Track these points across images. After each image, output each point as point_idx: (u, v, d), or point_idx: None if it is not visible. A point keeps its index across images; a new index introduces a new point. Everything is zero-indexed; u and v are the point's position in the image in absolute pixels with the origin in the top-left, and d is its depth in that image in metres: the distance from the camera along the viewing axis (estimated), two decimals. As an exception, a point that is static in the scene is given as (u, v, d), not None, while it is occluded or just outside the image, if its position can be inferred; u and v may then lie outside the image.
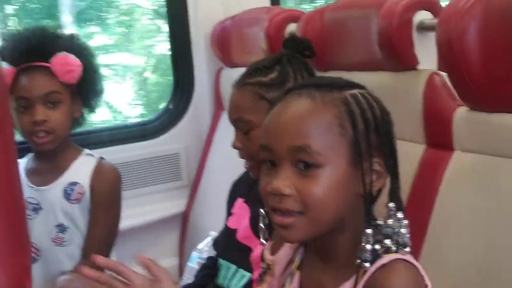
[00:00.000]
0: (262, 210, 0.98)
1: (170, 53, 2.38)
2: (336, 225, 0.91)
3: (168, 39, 2.37)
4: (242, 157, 1.41)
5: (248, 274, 1.37)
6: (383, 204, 0.92)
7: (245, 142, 1.37)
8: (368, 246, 0.88)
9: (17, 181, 0.83)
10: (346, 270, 0.91)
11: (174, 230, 2.33)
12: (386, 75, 1.37)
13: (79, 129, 2.09)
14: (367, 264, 0.87)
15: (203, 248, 1.92)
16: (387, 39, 1.30)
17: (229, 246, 1.46)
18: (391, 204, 0.91)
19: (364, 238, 0.88)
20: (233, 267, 1.42)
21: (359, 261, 0.88)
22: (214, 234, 1.87)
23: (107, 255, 1.88)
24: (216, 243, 1.57)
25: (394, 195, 0.92)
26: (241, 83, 1.37)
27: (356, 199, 0.90)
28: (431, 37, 1.24)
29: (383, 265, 0.87)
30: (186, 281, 1.83)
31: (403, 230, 0.90)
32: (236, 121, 1.38)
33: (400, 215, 0.90)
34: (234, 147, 1.40)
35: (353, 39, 1.46)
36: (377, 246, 0.89)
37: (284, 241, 0.99)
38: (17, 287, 0.78)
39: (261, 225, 1.00)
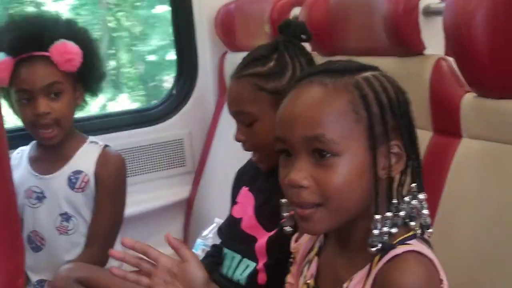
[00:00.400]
0: (282, 200, 0.97)
1: (173, 37, 2.35)
2: (358, 212, 0.90)
3: (171, 22, 2.34)
4: (246, 149, 1.39)
5: (253, 264, 1.36)
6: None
7: (248, 135, 1.35)
8: (376, 232, 0.86)
9: (10, 182, 0.83)
10: (361, 259, 0.90)
11: (179, 217, 2.32)
12: (392, 60, 1.35)
13: (83, 115, 2.09)
14: (373, 249, 0.86)
15: (208, 235, 1.91)
16: (393, 24, 1.27)
17: (233, 235, 1.45)
18: (414, 185, 0.89)
19: (373, 223, 0.87)
20: (238, 256, 1.40)
21: (369, 248, 0.86)
22: (218, 221, 1.86)
23: (112, 243, 1.88)
24: (220, 232, 1.56)
25: (415, 176, 0.90)
26: (238, 75, 1.35)
27: (376, 184, 0.88)
28: (438, 21, 1.22)
29: (396, 256, 0.85)
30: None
31: (425, 212, 0.89)
32: (236, 114, 1.36)
33: (421, 196, 0.89)
34: (237, 140, 1.38)
35: (359, 23, 1.44)
36: (393, 230, 0.87)
37: (306, 233, 0.99)
38: (10, 286, 0.78)
39: (284, 214, 0.99)
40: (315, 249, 1.01)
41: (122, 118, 2.31)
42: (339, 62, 0.96)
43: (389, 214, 0.88)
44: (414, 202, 0.89)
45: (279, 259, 1.31)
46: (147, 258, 1.07)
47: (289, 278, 1.10)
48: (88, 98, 1.91)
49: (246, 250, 1.37)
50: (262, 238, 1.35)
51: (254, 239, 1.36)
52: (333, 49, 1.56)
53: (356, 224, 0.91)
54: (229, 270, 1.42)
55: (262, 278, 1.33)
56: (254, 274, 1.35)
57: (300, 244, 1.06)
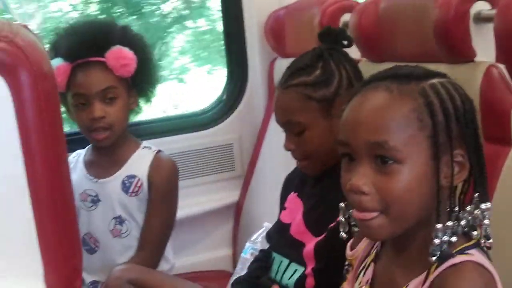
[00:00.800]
0: (342, 204, 0.98)
1: (223, 43, 2.39)
2: (418, 220, 0.90)
3: (223, 28, 2.37)
4: (296, 158, 1.41)
5: (301, 268, 1.37)
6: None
7: (298, 143, 1.37)
8: (437, 241, 0.86)
9: (68, 185, 0.86)
10: (418, 266, 0.90)
11: (228, 221, 2.34)
12: (442, 67, 1.33)
13: (133, 120, 2.13)
14: (433, 259, 0.86)
15: (257, 239, 1.92)
16: (444, 30, 1.26)
17: (282, 240, 1.46)
18: (476, 194, 0.89)
19: (434, 232, 0.87)
20: (286, 261, 1.41)
21: (430, 257, 0.86)
22: (267, 225, 1.87)
23: (163, 247, 1.92)
24: (269, 237, 1.57)
25: (479, 185, 0.90)
26: (285, 85, 1.36)
27: (438, 192, 0.88)
28: (489, 28, 1.20)
29: (453, 265, 0.85)
30: (239, 272, 1.84)
31: (486, 222, 0.89)
32: (286, 124, 1.38)
33: (484, 205, 0.89)
34: (287, 149, 1.40)
35: (409, 29, 1.43)
36: (453, 239, 0.87)
37: (366, 238, 0.99)
38: (68, 287, 0.81)
39: (342, 218, 1.00)
40: (372, 255, 1.02)
41: (173, 123, 2.34)
42: (406, 67, 0.95)
43: (450, 223, 0.87)
44: (476, 211, 0.89)
45: (327, 264, 1.32)
46: None
47: (345, 285, 1.10)
48: (142, 104, 1.95)
49: (295, 255, 1.39)
50: (310, 243, 1.36)
51: (302, 244, 1.38)
52: (382, 55, 1.55)
53: (414, 232, 0.91)
54: (277, 275, 1.43)
55: (310, 283, 1.34)
56: (302, 278, 1.36)
57: (357, 251, 1.06)
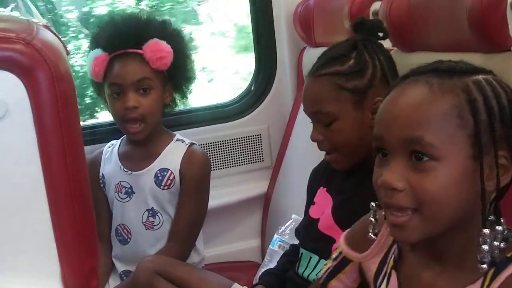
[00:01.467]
0: (373, 204, 0.93)
1: (252, 34, 2.37)
2: (456, 224, 0.85)
3: (251, 19, 2.35)
4: (323, 149, 1.38)
5: (330, 264, 1.35)
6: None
7: (327, 134, 1.34)
8: (485, 247, 0.81)
9: (86, 186, 0.86)
10: (468, 273, 0.85)
11: (256, 212, 2.33)
12: (476, 57, 1.29)
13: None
14: (484, 266, 0.81)
15: (285, 231, 1.92)
16: (478, 18, 1.22)
17: (310, 235, 1.44)
18: None
19: (482, 238, 0.82)
20: (315, 257, 1.40)
21: (480, 264, 0.81)
22: (295, 217, 1.86)
23: (193, 239, 1.94)
24: (298, 233, 1.56)
25: None
26: (316, 74, 1.33)
27: (482, 195, 0.83)
28: (527, 16, 1.16)
29: None
30: (267, 264, 1.83)
31: None
32: (315, 114, 1.35)
33: None
34: (314, 140, 1.37)
35: (441, 18, 1.39)
36: (502, 245, 0.83)
37: (397, 240, 0.94)
38: (85, 287, 0.81)
39: (371, 219, 0.96)
40: (391, 262, 0.97)
41: (202, 114, 2.34)
42: (448, 62, 0.91)
43: (499, 228, 0.83)
44: None
45: None
46: None
47: (335, 283, 1.08)
48: (178, 100, 1.97)
49: (324, 250, 1.36)
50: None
51: (331, 240, 1.36)
52: (414, 45, 1.52)
53: (453, 236, 0.87)
54: (305, 271, 1.41)
55: (339, 279, 1.32)
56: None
57: (369, 256, 1.01)
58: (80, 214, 0.84)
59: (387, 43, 1.62)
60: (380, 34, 1.37)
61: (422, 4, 1.46)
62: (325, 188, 1.47)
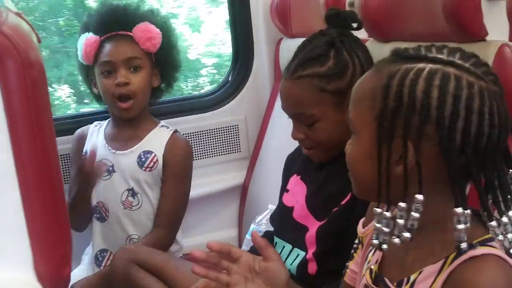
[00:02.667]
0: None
1: (229, 24, 2.36)
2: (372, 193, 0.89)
3: (228, 10, 2.35)
4: (305, 147, 1.38)
5: (302, 253, 1.36)
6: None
7: (308, 133, 1.33)
8: (461, 226, 0.82)
9: (57, 173, 0.85)
10: (432, 253, 0.87)
11: (234, 202, 2.34)
12: (451, 46, 1.31)
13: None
14: (463, 245, 0.82)
15: (261, 221, 1.93)
16: (453, 8, 1.23)
17: (285, 224, 1.45)
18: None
19: (455, 217, 0.82)
20: (289, 246, 1.40)
21: (457, 243, 0.83)
22: (272, 207, 1.87)
23: (177, 225, 1.98)
24: (272, 220, 1.56)
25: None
26: (296, 76, 1.30)
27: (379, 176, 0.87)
28: (502, 6, 1.18)
29: (474, 257, 0.82)
30: (244, 253, 1.84)
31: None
32: (296, 116, 1.34)
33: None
34: (295, 138, 1.36)
35: (416, 7, 1.40)
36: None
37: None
38: (57, 275, 0.81)
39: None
40: None
41: (179, 104, 2.33)
42: (409, 48, 0.91)
43: (459, 210, 0.83)
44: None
45: (328, 248, 1.31)
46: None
47: (352, 265, 1.11)
48: (163, 89, 2.01)
49: (297, 239, 1.37)
50: (313, 228, 1.34)
51: (305, 229, 1.36)
52: (389, 35, 1.52)
53: (428, 217, 0.87)
54: (279, 259, 1.42)
55: (312, 267, 1.33)
56: (304, 263, 1.34)
57: (369, 229, 1.05)
58: (52, 201, 0.84)
59: (363, 33, 1.64)
60: (354, 25, 1.36)
61: (398, -6, 1.47)
62: (299, 176, 1.48)
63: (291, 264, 1.37)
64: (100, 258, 1.95)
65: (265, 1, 2.25)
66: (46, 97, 0.90)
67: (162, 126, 2.00)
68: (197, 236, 2.27)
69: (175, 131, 1.99)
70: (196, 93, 2.45)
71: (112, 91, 1.86)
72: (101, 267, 1.91)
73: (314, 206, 1.38)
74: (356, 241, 1.11)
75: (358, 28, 1.38)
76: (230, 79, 2.36)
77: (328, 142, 1.33)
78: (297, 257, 1.37)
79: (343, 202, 1.30)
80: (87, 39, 1.87)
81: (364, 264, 1.04)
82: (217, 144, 2.30)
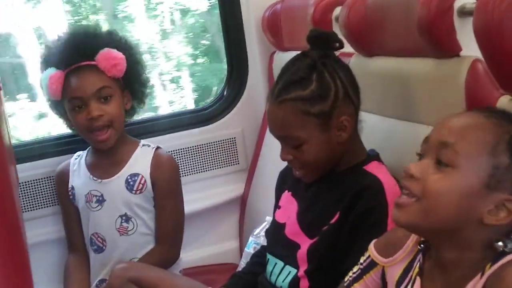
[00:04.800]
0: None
1: (223, 39, 2.40)
2: (448, 228, 0.93)
3: (221, 25, 2.38)
4: (294, 167, 1.40)
5: (294, 270, 1.38)
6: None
7: (296, 154, 1.35)
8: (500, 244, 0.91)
9: (12, 202, 0.84)
10: (471, 271, 0.93)
11: (234, 214, 2.37)
12: (428, 62, 1.34)
13: (138, 118, 2.17)
14: (500, 244, 0.91)
15: (259, 234, 1.95)
16: (427, 25, 1.26)
17: (277, 241, 1.47)
18: None
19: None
20: (281, 263, 1.43)
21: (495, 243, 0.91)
22: (269, 219, 1.89)
23: (180, 238, 1.99)
24: (267, 233, 1.59)
25: None
26: (279, 99, 1.31)
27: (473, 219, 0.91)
28: (473, 22, 1.19)
29: (509, 262, 0.89)
30: (243, 266, 1.87)
31: None
32: (283, 138, 1.36)
33: None
34: (284, 159, 1.38)
35: (395, 24, 1.43)
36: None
37: (394, 221, 1.01)
38: None
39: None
40: (416, 269, 1.04)
41: (177, 120, 2.37)
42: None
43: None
44: None
45: (320, 266, 1.33)
46: None
47: (359, 286, 1.14)
48: (135, 106, 2.00)
49: (289, 256, 1.40)
50: (305, 245, 1.37)
51: (297, 246, 1.39)
52: (372, 49, 1.56)
53: (459, 255, 0.95)
54: (272, 277, 1.45)
55: (304, 285, 1.36)
56: (295, 280, 1.37)
57: (394, 260, 1.08)
58: (10, 250, 0.82)
59: (349, 48, 1.66)
60: (337, 45, 1.37)
61: (378, 11, 1.50)
62: (290, 192, 1.51)
63: (283, 281, 1.40)
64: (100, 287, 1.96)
65: (257, 15, 2.28)
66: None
67: (143, 145, 1.99)
68: (198, 249, 2.31)
69: (157, 148, 1.99)
70: (192, 108, 2.47)
71: (87, 125, 1.85)
72: None
73: (305, 223, 1.40)
74: (363, 261, 1.14)
75: (339, 48, 1.38)
76: (225, 93, 2.39)
77: (315, 162, 1.35)
78: (288, 274, 1.40)
79: (332, 221, 1.33)
80: (50, 76, 1.83)
81: None
82: (215, 157, 2.34)
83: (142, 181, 1.92)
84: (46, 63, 1.89)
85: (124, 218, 1.93)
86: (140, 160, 1.95)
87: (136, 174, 1.92)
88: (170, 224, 1.95)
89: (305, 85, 1.30)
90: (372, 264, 1.13)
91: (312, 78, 1.30)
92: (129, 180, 1.92)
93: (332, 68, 1.32)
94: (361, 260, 1.15)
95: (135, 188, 1.92)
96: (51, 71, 1.85)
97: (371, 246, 1.13)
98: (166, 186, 1.94)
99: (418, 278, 1.02)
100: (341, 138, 1.33)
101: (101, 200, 1.93)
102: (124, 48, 1.91)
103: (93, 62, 1.84)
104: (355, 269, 1.16)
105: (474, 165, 0.90)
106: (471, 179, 0.90)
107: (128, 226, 1.93)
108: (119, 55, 1.86)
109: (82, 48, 1.85)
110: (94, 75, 1.84)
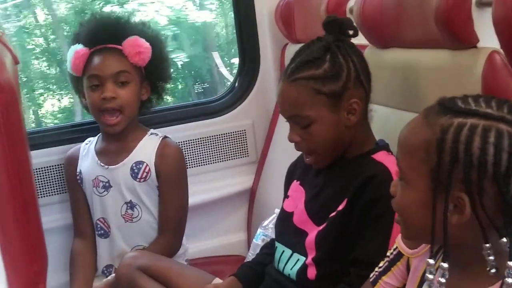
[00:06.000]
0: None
1: (235, 31, 2.39)
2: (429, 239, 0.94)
3: (234, 17, 2.38)
4: (299, 150, 1.41)
5: (302, 258, 1.38)
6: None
7: (304, 136, 1.36)
8: (491, 258, 0.89)
9: (30, 191, 0.86)
10: (488, 278, 0.91)
11: (243, 206, 2.36)
12: (445, 53, 1.32)
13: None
14: (493, 271, 0.89)
15: (268, 225, 1.94)
16: (444, 17, 1.24)
17: (285, 229, 1.47)
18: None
19: (485, 252, 0.90)
20: (288, 251, 1.43)
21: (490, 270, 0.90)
22: (278, 211, 1.89)
23: (182, 229, 1.99)
24: (275, 225, 1.59)
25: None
26: (292, 78, 1.34)
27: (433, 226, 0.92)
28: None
29: None
30: (251, 258, 1.86)
31: None
32: (292, 117, 1.37)
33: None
34: (291, 141, 1.39)
35: (412, 15, 1.41)
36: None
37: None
38: None
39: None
40: (439, 261, 1.02)
41: (188, 111, 2.37)
42: (464, 99, 0.94)
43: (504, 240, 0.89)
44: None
45: (328, 253, 1.33)
46: None
47: (387, 279, 1.15)
48: (154, 100, 2.02)
49: (297, 244, 1.40)
50: (312, 233, 1.37)
51: (305, 234, 1.39)
52: (386, 41, 1.55)
53: (464, 252, 0.94)
54: (279, 264, 1.45)
55: (311, 272, 1.35)
56: (303, 268, 1.37)
57: (419, 252, 1.08)
58: (24, 220, 0.85)
59: (362, 40, 1.65)
60: (351, 32, 1.38)
61: (394, 2, 1.49)
62: (298, 182, 1.51)
63: (291, 269, 1.40)
64: (107, 274, 1.96)
65: (270, 7, 2.27)
66: (19, 119, 0.91)
67: (151, 134, 1.99)
68: (207, 240, 2.31)
69: (165, 137, 1.99)
70: (203, 99, 2.47)
71: (98, 105, 1.86)
72: None
73: (313, 211, 1.40)
74: (390, 254, 1.15)
75: (354, 35, 1.40)
76: (237, 84, 2.39)
77: (323, 145, 1.36)
78: (297, 262, 1.40)
79: (339, 208, 1.33)
80: (76, 51, 1.87)
81: (413, 286, 1.07)
82: (225, 149, 2.33)
83: (147, 170, 1.92)
84: (76, 39, 1.93)
85: (129, 205, 1.94)
86: (146, 148, 1.96)
87: (141, 162, 1.93)
88: (173, 214, 1.95)
89: (318, 65, 1.32)
90: (399, 256, 1.13)
91: (325, 58, 1.33)
92: (134, 167, 1.93)
93: (346, 51, 1.34)
94: (388, 253, 1.16)
95: (139, 176, 1.92)
96: (78, 47, 1.89)
97: (398, 238, 1.14)
98: (170, 176, 1.95)
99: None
100: (350, 121, 1.34)
101: (107, 186, 1.94)
102: (152, 40, 1.93)
103: (119, 46, 1.88)
104: (381, 263, 1.17)
105: (417, 174, 0.92)
106: (419, 188, 0.92)
107: (133, 213, 1.94)
108: (145, 44, 1.89)
109: (112, 31, 1.89)
110: (116, 58, 1.87)
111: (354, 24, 1.41)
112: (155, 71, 1.95)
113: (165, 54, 1.99)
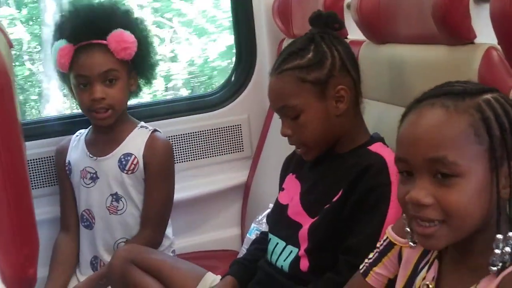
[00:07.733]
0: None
1: (232, 25, 2.39)
2: (477, 228, 0.93)
3: (231, 11, 2.37)
4: (293, 143, 1.42)
5: (295, 250, 1.38)
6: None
7: (295, 128, 1.37)
8: (497, 251, 0.89)
9: (23, 176, 0.86)
10: (486, 268, 0.91)
11: (237, 201, 2.36)
12: (441, 49, 1.32)
13: (144, 102, 2.16)
14: (494, 268, 0.89)
15: (262, 220, 1.94)
16: (442, 11, 1.24)
17: (279, 221, 1.48)
18: None
19: (495, 243, 0.90)
20: (282, 243, 1.43)
21: (490, 266, 0.89)
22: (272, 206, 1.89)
23: (164, 224, 1.98)
24: (268, 217, 1.59)
25: None
26: (279, 70, 1.37)
27: (498, 203, 0.91)
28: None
29: None
30: (244, 252, 1.86)
31: None
32: (281, 109, 1.39)
33: None
34: (284, 134, 1.41)
35: (409, 11, 1.42)
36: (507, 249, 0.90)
37: (425, 248, 1.02)
38: (21, 276, 0.82)
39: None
40: (435, 253, 1.04)
41: (184, 104, 2.36)
42: (459, 84, 0.97)
43: (511, 234, 0.90)
44: None
45: (320, 245, 1.33)
46: None
47: (379, 269, 1.15)
48: (142, 85, 2.00)
49: (291, 236, 1.40)
50: (306, 224, 1.37)
51: (299, 225, 1.39)
52: (384, 36, 1.55)
53: (475, 238, 0.94)
54: (273, 256, 1.45)
55: (304, 264, 1.36)
56: (296, 260, 1.37)
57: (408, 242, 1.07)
58: (16, 204, 0.85)
59: (360, 35, 1.65)
60: (337, 26, 1.41)
61: (392, -3, 1.48)
62: (294, 175, 1.51)
63: (284, 261, 1.40)
64: (95, 264, 1.97)
65: (268, 2, 2.27)
66: (12, 104, 0.90)
67: (141, 127, 1.98)
68: (200, 235, 2.30)
69: (154, 130, 1.98)
70: (199, 93, 2.46)
71: (88, 105, 1.85)
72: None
73: (308, 203, 1.41)
74: (379, 245, 1.15)
75: (339, 28, 1.44)
76: (233, 79, 2.38)
77: (314, 136, 1.37)
78: (290, 253, 1.40)
79: (334, 199, 1.33)
80: (60, 49, 1.84)
81: (405, 276, 1.07)
82: (220, 144, 2.33)
83: (135, 162, 1.92)
84: (59, 33, 1.90)
85: (114, 197, 1.93)
86: (135, 140, 1.95)
87: (129, 154, 1.92)
88: (157, 208, 1.94)
89: (303, 55, 1.36)
90: (390, 246, 1.13)
91: (310, 48, 1.36)
92: (122, 159, 1.92)
93: (330, 41, 1.37)
94: (378, 245, 1.16)
95: (127, 168, 1.91)
96: (62, 43, 1.85)
97: (389, 229, 1.14)
98: (157, 169, 1.93)
99: (436, 261, 1.02)
100: (339, 110, 1.36)
101: (94, 178, 1.94)
102: (137, 29, 1.91)
103: (104, 42, 1.84)
104: (370, 255, 1.17)
105: (473, 161, 0.90)
106: (478, 175, 0.90)
107: (118, 205, 1.93)
108: (131, 38, 1.86)
109: (96, 25, 1.85)
110: (102, 55, 1.84)
111: (351, 23, 1.42)
112: (143, 61, 1.94)
113: (150, 41, 1.96)
